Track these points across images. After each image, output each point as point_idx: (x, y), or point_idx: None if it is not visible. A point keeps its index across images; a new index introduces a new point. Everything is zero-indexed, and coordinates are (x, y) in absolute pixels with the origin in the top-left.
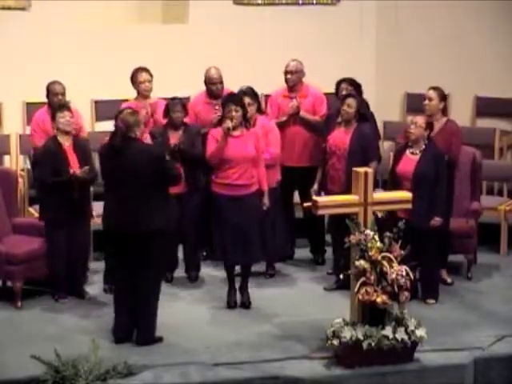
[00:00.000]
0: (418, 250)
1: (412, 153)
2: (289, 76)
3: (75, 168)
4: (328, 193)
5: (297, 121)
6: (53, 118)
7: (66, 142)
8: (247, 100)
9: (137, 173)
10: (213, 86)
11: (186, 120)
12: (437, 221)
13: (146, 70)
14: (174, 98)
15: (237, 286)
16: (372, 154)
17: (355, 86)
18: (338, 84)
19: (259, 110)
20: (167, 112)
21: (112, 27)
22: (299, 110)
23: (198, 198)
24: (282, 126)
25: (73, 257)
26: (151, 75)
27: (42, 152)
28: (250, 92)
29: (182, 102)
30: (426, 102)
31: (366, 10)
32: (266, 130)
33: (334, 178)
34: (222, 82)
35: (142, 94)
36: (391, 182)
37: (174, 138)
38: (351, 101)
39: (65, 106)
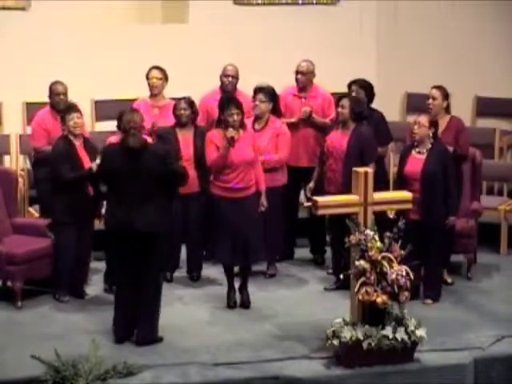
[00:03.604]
0: (424, 250)
1: (419, 152)
2: (299, 76)
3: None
4: (325, 194)
5: (306, 123)
6: (62, 119)
7: (77, 142)
8: (260, 97)
9: (147, 173)
10: (225, 78)
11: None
12: (451, 220)
13: (158, 68)
14: (182, 98)
15: (236, 286)
16: (369, 156)
17: (366, 88)
18: (349, 85)
19: (275, 111)
20: (174, 111)
21: (112, 27)
22: (311, 115)
23: (204, 199)
24: (291, 128)
25: (78, 257)
26: (164, 74)
27: (55, 152)
28: (267, 90)
29: (189, 100)
30: (430, 101)
31: (366, 10)
32: (277, 132)
33: (330, 179)
34: (234, 77)
35: (150, 92)
36: (398, 183)
37: (185, 137)
38: (344, 101)
39: (72, 108)
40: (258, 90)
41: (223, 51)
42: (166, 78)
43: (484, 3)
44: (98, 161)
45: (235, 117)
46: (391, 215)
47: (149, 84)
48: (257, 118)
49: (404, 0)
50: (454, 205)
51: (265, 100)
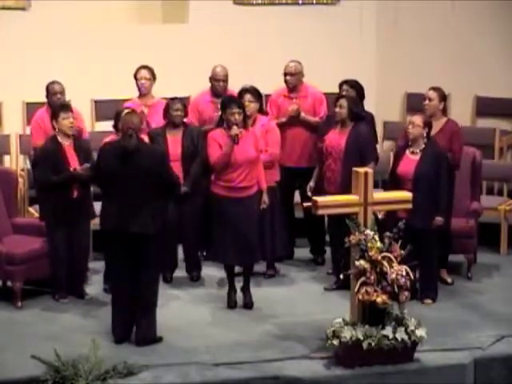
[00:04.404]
0: (418, 250)
1: (412, 152)
2: (288, 77)
3: (75, 166)
4: (324, 194)
5: (297, 122)
6: (53, 117)
7: (66, 142)
8: (248, 97)
9: (142, 173)
10: (216, 83)
11: (186, 120)
12: (439, 220)
13: (146, 67)
14: (173, 98)
15: (237, 286)
16: (369, 156)
17: (357, 88)
18: (340, 85)
19: (261, 111)
20: (167, 111)
21: (112, 27)
22: (300, 112)
23: (200, 198)
24: (281, 127)
25: (74, 257)
26: (152, 74)
27: (41, 153)
28: (253, 90)
29: (182, 102)
30: (426, 102)
31: (366, 10)
32: (266, 129)
33: (330, 179)
34: (225, 81)
35: (140, 92)
36: (391, 182)
37: (174, 137)
38: (342, 101)
39: (68, 107)
40: (244, 92)
41: (223, 51)
42: (154, 77)
43: (484, 3)
44: (87, 164)
45: (236, 116)
46: (380, 215)
47: (137, 84)
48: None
49: (404, 0)
50: (443, 205)
51: (253, 100)
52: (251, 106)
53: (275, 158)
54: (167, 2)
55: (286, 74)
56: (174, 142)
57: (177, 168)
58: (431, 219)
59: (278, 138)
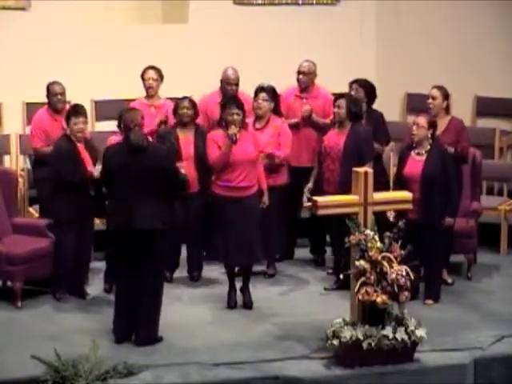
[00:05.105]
0: (424, 250)
1: (418, 153)
2: (301, 76)
3: (91, 168)
4: (324, 194)
5: (306, 123)
6: (66, 119)
7: (78, 143)
8: (262, 96)
9: (148, 170)
10: (228, 86)
11: (197, 121)
12: (449, 221)
13: (153, 68)
14: (184, 98)
15: (237, 286)
16: (366, 155)
17: (366, 87)
18: (350, 84)
19: (276, 111)
20: (176, 111)
21: (112, 27)
22: (312, 114)
23: (204, 199)
24: (292, 128)
25: (78, 257)
26: (160, 75)
27: (57, 151)
28: (269, 89)
29: (192, 100)
30: (430, 100)
31: (366, 10)
32: (279, 131)
33: (329, 179)
34: (237, 84)
35: (146, 92)
36: (398, 185)
37: (185, 136)
38: (341, 101)
39: (79, 111)
40: (259, 90)
41: (223, 51)
42: (161, 77)
43: (484, 3)
44: (99, 167)
45: (235, 116)
46: (391, 218)
47: (145, 85)
48: (258, 118)
49: (404, 0)
50: (453, 205)
51: (267, 99)
52: (264, 104)
53: (286, 159)
54: (167, 2)
55: (299, 73)
56: (186, 142)
57: (189, 168)
58: (441, 218)
59: (290, 140)
